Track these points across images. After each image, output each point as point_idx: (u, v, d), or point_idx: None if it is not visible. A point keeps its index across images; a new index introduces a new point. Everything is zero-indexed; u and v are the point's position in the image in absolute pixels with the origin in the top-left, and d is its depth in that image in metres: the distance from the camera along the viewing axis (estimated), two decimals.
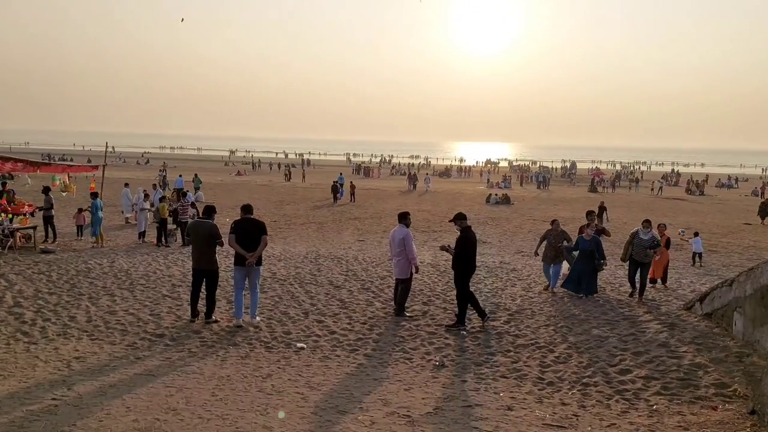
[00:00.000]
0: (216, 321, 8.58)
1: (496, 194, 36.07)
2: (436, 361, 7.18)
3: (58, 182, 17.91)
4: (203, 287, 8.62)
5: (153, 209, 18.20)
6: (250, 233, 8.36)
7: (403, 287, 9.30)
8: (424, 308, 9.79)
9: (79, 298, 9.91)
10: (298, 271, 12.77)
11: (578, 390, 6.30)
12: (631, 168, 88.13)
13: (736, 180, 62.89)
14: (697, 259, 16.23)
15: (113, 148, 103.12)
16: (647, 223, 10.99)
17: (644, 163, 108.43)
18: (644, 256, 10.65)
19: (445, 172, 69.77)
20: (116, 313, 8.99)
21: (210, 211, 8.85)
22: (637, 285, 10.76)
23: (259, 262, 8.55)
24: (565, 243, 11.36)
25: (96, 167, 19.85)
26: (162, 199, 17.54)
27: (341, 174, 40.19)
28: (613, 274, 13.07)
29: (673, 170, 79.31)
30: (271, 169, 69.34)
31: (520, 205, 33.18)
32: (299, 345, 7.66)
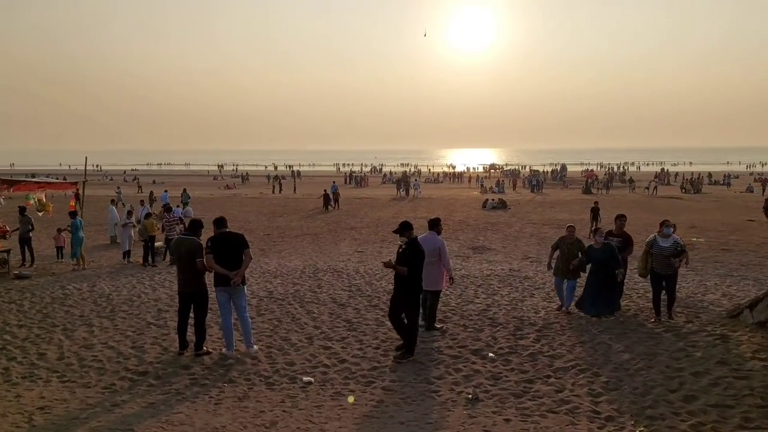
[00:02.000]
0: (208, 353, 7.50)
1: (492, 199, 35.24)
2: (468, 393, 6.14)
3: (32, 201, 16.72)
4: (192, 313, 7.55)
5: (138, 226, 17.06)
6: (229, 249, 7.32)
7: (434, 299, 8.70)
8: (441, 325, 8.77)
9: (52, 330, 8.78)
10: (297, 289, 11.71)
11: (645, 426, 5.29)
12: (622, 169, 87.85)
13: (729, 177, 62.58)
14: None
15: (99, 166, 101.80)
16: (666, 226, 9.01)
17: (632, 164, 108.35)
18: (667, 266, 8.78)
19: (437, 178, 69.20)
20: (93, 347, 7.88)
21: (196, 226, 7.76)
22: (661, 304, 9.02)
23: (244, 282, 7.50)
24: (577, 258, 9.43)
25: (75, 184, 18.68)
26: (148, 215, 16.40)
27: (334, 182, 39.78)
28: (634, 278, 12.12)
29: (663, 169, 79.11)
30: (269, 180, 68.23)
31: (517, 209, 32.30)
32: (306, 379, 6.60)
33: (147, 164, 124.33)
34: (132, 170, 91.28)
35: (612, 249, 9.11)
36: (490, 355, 7.37)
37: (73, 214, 15.39)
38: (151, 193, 36.15)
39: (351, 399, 6.09)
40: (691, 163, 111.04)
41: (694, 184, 51.38)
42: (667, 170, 77.57)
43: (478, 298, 10.81)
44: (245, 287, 7.61)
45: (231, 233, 7.54)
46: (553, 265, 9.98)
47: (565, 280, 9.55)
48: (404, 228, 7.39)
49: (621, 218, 10.16)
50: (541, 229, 23.15)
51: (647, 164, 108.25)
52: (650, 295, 10.37)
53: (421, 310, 8.36)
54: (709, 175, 63.51)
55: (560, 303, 9.76)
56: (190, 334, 7.60)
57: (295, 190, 49.27)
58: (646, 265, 9.09)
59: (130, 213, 16.76)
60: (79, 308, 10.19)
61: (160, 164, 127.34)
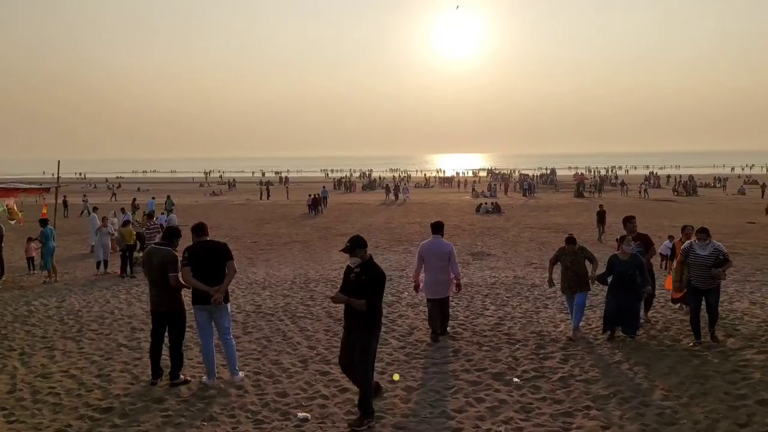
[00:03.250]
0: (185, 381, 6.42)
1: (486, 203, 34.44)
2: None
3: (1, 209, 15.51)
4: (167, 336, 6.48)
5: (114, 235, 15.90)
6: (209, 261, 6.24)
7: (445, 306, 8.22)
8: (452, 344, 7.76)
9: (8, 355, 7.63)
10: (288, 302, 10.64)
11: None
12: (611, 172, 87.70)
13: (720, 180, 62.50)
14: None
15: (84, 174, 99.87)
16: (704, 233, 7.58)
17: (620, 167, 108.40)
18: (707, 279, 7.49)
19: (427, 183, 68.67)
20: (51, 376, 6.75)
21: (171, 234, 6.65)
22: (700, 324, 7.69)
23: (225, 298, 6.36)
24: (595, 269, 8.11)
25: (47, 190, 17.47)
26: (126, 223, 15.23)
27: (324, 187, 39.57)
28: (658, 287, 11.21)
29: (651, 173, 79.04)
30: (260, 186, 67.14)
31: (512, 214, 31.49)
32: (301, 415, 5.53)
33: (132, 172, 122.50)
34: (117, 178, 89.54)
35: (640, 262, 7.81)
36: (515, 380, 6.36)
37: (43, 222, 14.24)
38: (134, 200, 34.83)
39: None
40: (678, 167, 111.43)
41: (687, 186, 51.03)
42: (656, 173, 77.49)
43: (488, 309, 9.83)
44: (228, 305, 6.51)
45: (212, 242, 6.47)
46: (555, 282, 8.67)
47: (575, 294, 8.05)
48: (356, 245, 5.53)
49: (631, 220, 8.85)
50: (539, 233, 22.30)
51: (635, 168, 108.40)
52: (673, 303, 9.54)
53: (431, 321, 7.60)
54: (691, 177, 63.31)
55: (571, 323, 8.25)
56: (166, 358, 6.51)
57: (287, 195, 48.30)
58: (681, 278, 7.81)
59: (104, 220, 15.62)
60: (43, 328, 9.04)
61: (145, 172, 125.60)
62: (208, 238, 6.41)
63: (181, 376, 6.43)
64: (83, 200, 35.76)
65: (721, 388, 5.92)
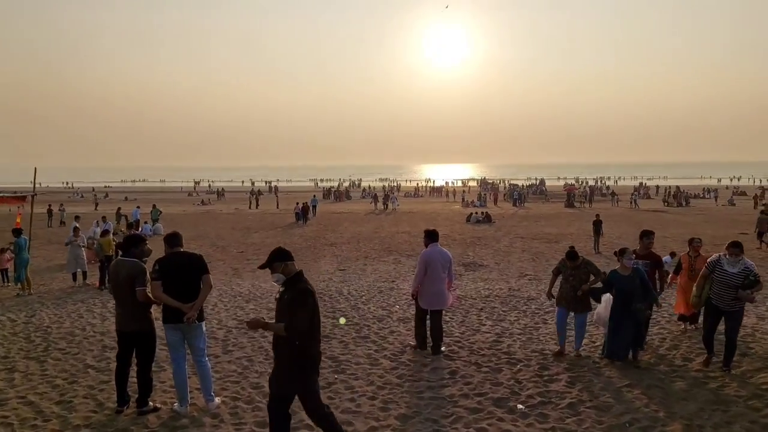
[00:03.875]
0: (154, 409, 5.79)
1: (477, 212, 33.99)
2: None
3: None
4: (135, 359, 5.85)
5: (93, 245, 15.22)
6: (183, 275, 5.63)
7: (438, 318, 7.73)
8: (448, 365, 7.20)
9: None
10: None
11: None
12: (603, 182, 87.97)
13: (710, 191, 62.69)
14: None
15: (71, 183, 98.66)
16: (736, 248, 6.66)
17: (609, 178, 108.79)
18: (732, 300, 6.64)
19: (416, 192, 68.55)
20: (6, 404, 6.07)
21: (129, 243, 5.93)
22: (714, 341, 7.02)
23: (200, 317, 5.73)
24: (594, 283, 7.44)
25: (23, 198, 16.73)
26: (105, 233, 14.53)
27: (315, 196, 39.40)
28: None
29: (641, 183, 79.33)
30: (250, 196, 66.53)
31: (502, 224, 31.04)
32: None
33: (121, 181, 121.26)
34: (105, 187, 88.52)
35: (643, 276, 7.10)
36: (520, 407, 5.80)
37: (17, 232, 13.54)
38: (119, 209, 34.00)
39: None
40: (666, 177, 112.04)
41: (677, 197, 51.00)
42: (646, 184, 77.77)
43: (485, 325, 9.28)
44: (203, 324, 5.86)
45: (186, 254, 5.85)
46: (555, 294, 7.88)
47: (572, 312, 7.47)
48: (273, 259, 4.61)
49: (648, 235, 7.82)
50: (531, 243, 21.83)
51: (623, 178, 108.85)
52: (680, 321, 9.01)
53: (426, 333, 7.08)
54: (677, 188, 63.39)
55: (559, 346, 7.56)
56: (134, 382, 5.89)
57: (277, 205, 47.69)
58: (701, 293, 6.97)
59: (76, 230, 14.93)
60: (6, 346, 8.36)
61: (134, 181, 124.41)
62: (182, 250, 5.81)
63: (150, 404, 5.80)
64: (60, 209, 34.78)
65: (745, 416, 5.40)
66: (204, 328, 5.89)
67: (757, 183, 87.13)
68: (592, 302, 7.52)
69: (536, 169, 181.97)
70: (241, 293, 12.37)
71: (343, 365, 7.23)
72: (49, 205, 34.51)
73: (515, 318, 9.77)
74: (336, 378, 6.74)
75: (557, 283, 7.80)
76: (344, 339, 8.48)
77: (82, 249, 14.54)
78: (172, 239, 5.76)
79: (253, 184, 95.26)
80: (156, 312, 5.89)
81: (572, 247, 7.73)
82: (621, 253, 7.23)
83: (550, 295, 8.10)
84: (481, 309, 10.54)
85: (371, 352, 7.79)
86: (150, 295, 5.68)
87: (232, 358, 7.58)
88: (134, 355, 5.80)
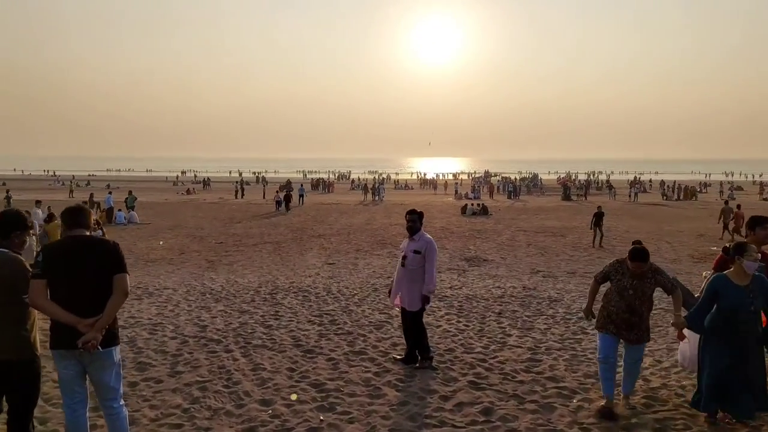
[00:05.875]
0: None
1: (472, 204, 32.30)
2: None
3: None
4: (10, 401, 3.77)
5: (39, 232, 13.25)
6: (81, 271, 3.62)
7: (417, 322, 6.31)
8: (478, 397, 5.38)
9: None
10: (245, 320, 8.17)
11: None
12: (593, 177, 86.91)
13: (706, 186, 61.91)
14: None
15: (54, 171, 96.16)
16: None
17: (602, 173, 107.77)
18: None
19: (407, 185, 67.12)
20: None
21: (8, 225, 3.80)
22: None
23: (111, 341, 3.69)
24: (685, 304, 5.21)
25: None
26: (50, 217, 12.56)
27: (302, 185, 38.10)
28: None
29: (635, 177, 78.37)
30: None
31: (500, 216, 29.40)
32: None
33: (107, 170, 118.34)
34: (89, 175, 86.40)
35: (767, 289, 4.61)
36: None
37: None
38: (92, 195, 31.86)
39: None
40: (657, 173, 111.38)
41: (687, 190, 49.92)
42: (641, 178, 76.84)
43: (510, 336, 7.48)
44: (116, 350, 3.76)
45: (91, 239, 3.77)
46: (595, 314, 5.38)
47: (628, 343, 5.15)
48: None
49: (762, 223, 5.05)
50: (536, 237, 20.15)
51: (612, 173, 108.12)
52: None
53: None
54: (674, 183, 62.51)
55: (605, 397, 5.08)
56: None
57: (264, 195, 45.79)
58: None
59: (27, 213, 12.98)
60: None
61: (119, 170, 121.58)
62: (87, 234, 3.77)
63: None
64: (6, 197, 31.06)
65: None
66: (117, 357, 3.79)
67: (750, 179, 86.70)
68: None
69: (529, 164, 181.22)
70: (212, 290, 10.51)
71: (332, 395, 5.36)
72: (8, 191, 32.19)
73: (545, 326, 7.99)
74: (321, 421, 4.86)
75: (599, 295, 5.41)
76: (333, 355, 6.59)
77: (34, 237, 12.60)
78: (72, 216, 3.74)
79: (240, 174, 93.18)
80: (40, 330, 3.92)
81: (639, 242, 5.17)
82: (739, 251, 4.64)
83: (589, 314, 5.51)
84: (499, 313, 8.78)
85: (369, 375, 5.91)
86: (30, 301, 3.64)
87: (179, 384, 5.61)
88: (5, 398, 3.75)
